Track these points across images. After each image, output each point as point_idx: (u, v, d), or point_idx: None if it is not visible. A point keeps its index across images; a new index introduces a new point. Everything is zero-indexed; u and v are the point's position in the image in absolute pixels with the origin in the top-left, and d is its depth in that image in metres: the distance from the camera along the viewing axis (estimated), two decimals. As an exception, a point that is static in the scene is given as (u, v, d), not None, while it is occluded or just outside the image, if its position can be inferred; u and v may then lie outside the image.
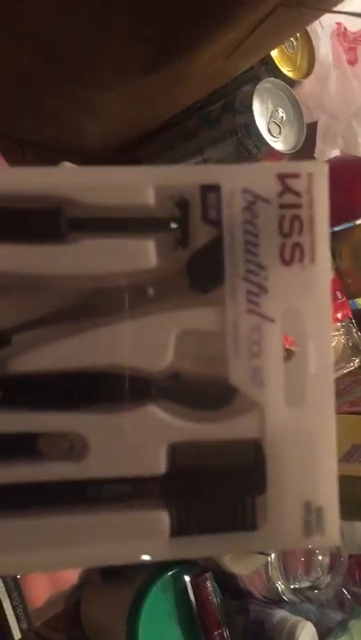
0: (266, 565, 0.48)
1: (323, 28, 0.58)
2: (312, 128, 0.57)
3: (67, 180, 0.20)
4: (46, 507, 0.20)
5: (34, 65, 0.38)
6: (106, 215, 0.20)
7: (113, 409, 0.20)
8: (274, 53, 0.54)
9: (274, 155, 0.48)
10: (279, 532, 0.21)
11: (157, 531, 0.20)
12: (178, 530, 0.20)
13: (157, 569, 0.45)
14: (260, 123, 0.48)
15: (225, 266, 0.20)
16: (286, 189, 0.20)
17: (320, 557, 0.52)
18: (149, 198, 0.20)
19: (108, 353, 0.20)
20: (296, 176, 0.20)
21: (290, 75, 0.56)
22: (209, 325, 0.21)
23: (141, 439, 0.20)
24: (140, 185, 0.20)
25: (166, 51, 0.37)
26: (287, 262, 0.21)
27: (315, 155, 0.61)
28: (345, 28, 0.59)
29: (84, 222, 0.20)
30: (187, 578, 0.45)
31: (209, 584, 0.46)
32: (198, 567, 0.46)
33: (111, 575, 0.47)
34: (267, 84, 0.49)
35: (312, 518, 0.21)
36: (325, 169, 0.21)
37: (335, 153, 0.63)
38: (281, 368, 0.21)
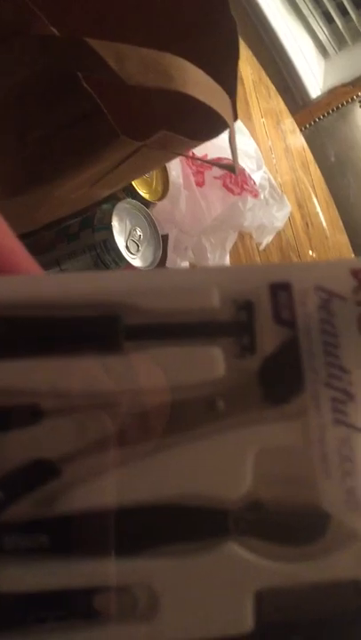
0: None
1: (175, 151, 0.63)
2: (164, 240, 0.59)
3: (123, 284, 0.18)
4: None
5: None
6: (166, 321, 0.18)
7: (185, 551, 0.17)
8: (132, 177, 0.56)
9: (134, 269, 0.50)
10: None
11: None
12: None
13: None
14: (119, 240, 0.49)
15: (304, 371, 0.18)
16: (362, 284, 0.19)
17: None
18: (213, 301, 0.18)
19: (176, 481, 0.17)
20: (371, 270, 0.19)
21: (146, 197, 0.59)
22: (291, 442, 0.18)
23: (222, 588, 0.17)
24: (203, 286, 0.18)
25: (34, 179, 0.38)
26: (372, 364, 0.18)
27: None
28: (193, 154, 0.63)
29: (142, 330, 0.17)
30: None
31: None
32: None
33: None
34: (125, 204, 0.51)
35: None
36: None
37: (185, 264, 0.67)
38: None
